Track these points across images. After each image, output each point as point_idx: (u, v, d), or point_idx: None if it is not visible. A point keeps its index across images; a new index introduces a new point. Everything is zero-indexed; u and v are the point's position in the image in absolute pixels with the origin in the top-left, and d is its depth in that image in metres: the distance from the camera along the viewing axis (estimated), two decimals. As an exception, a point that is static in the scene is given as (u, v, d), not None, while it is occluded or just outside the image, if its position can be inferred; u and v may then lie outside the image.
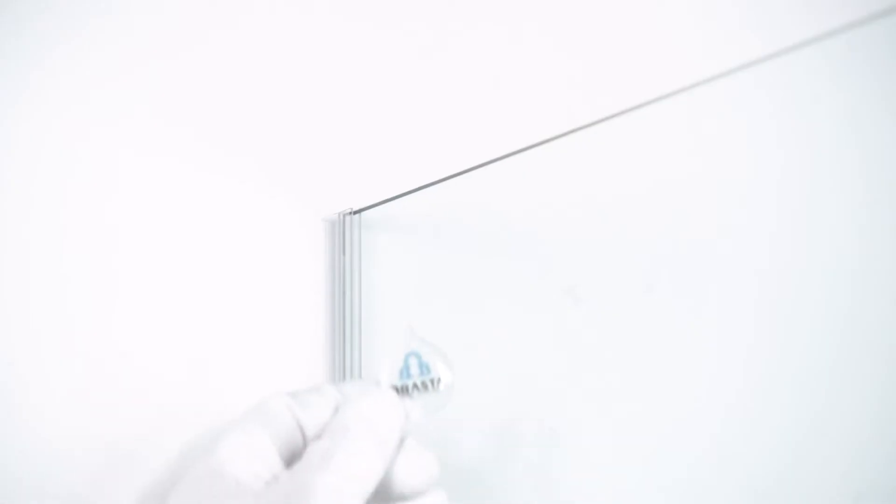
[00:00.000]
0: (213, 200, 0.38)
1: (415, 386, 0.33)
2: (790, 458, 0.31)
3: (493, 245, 0.39)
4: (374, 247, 0.43)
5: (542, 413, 0.38)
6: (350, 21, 0.42)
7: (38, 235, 0.33)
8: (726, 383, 0.33)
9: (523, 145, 0.37)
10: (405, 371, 0.34)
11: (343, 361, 0.42)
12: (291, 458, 0.33)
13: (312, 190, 0.42)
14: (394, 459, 0.31)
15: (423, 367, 0.34)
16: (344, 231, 0.43)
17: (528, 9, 0.41)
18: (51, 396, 0.33)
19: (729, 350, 0.33)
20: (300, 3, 0.42)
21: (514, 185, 0.39)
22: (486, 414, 0.39)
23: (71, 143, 0.34)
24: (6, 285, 0.32)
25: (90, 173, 0.34)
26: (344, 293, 0.43)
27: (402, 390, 0.34)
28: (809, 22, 0.30)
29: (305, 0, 0.42)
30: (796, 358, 0.31)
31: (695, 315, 0.34)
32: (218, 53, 0.39)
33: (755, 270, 0.32)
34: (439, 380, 0.33)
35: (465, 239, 0.41)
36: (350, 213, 0.43)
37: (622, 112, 0.35)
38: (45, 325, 0.33)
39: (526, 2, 0.41)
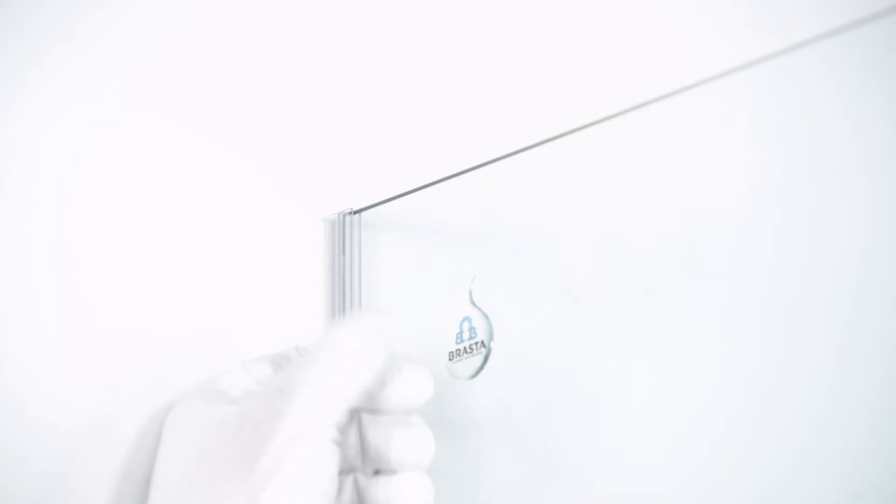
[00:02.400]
0: (212, 200, 0.38)
1: (465, 349, 0.34)
2: (790, 458, 0.31)
3: (494, 245, 0.39)
4: (374, 247, 0.43)
5: (540, 413, 0.37)
6: (350, 20, 0.42)
7: (38, 234, 0.33)
8: (726, 384, 0.33)
9: (523, 145, 0.37)
10: (460, 336, 0.35)
11: (343, 361, 0.42)
12: None
13: (312, 190, 0.42)
14: (380, 377, 0.32)
15: (472, 331, 0.35)
16: (344, 231, 0.43)
17: (528, 9, 0.41)
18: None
19: (729, 351, 0.33)
20: (300, 3, 0.42)
21: (514, 185, 0.39)
22: (484, 414, 0.39)
23: (70, 142, 0.34)
24: (7, 282, 0.32)
25: (89, 172, 0.34)
26: (344, 293, 0.43)
27: (455, 354, 0.34)
28: (809, 22, 0.30)
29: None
30: (797, 358, 0.31)
31: (695, 316, 0.34)
32: (217, 54, 0.39)
33: (756, 271, 0.32)
34: (481, 343, 0.34)
35: (466, 239, 0.41)
36: (350, 213, 0.43)
37: (622, 112, 0.35)
38: (45, 324, 0.33)
39: (526, 2, 0.41)
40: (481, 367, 0.35)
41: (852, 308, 0.30)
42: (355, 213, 0.43)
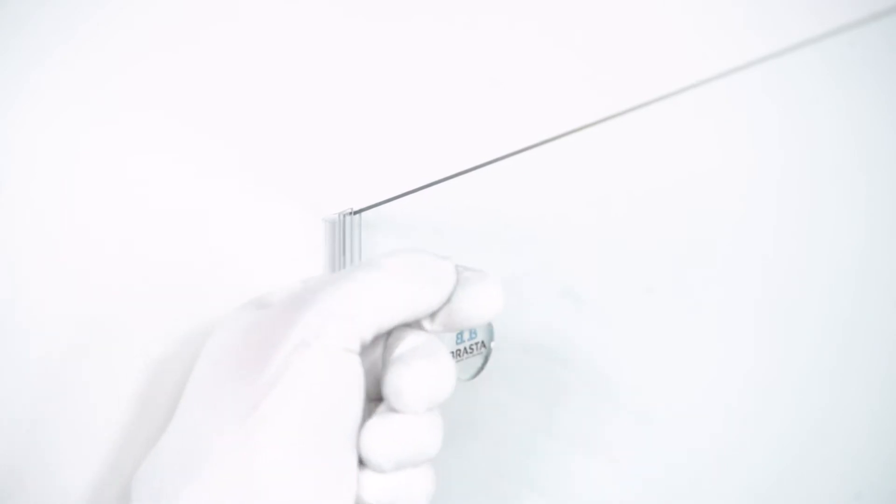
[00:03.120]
0: (212, 200, 0.38)
1: (465, 350, 0.34)
2: (790, 458, 0.31)
3: (494, 245, 0.39)
4: (375, 247, 0.43)
5: (540, 414, 0.38)
6: (350, 20, 0.42)
7: (37, 235, 0.33)
8: (726, 384, 0.33)
9: (523, 145, 0.37)
10: (460, 336, 0.35)
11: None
12: None
13: (312, 190, 0.42)
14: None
15: (472, 332, 0.35)
16: (344, 231, 0.43)
17: (528, 9, 0.41)
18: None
19: (729, 351, 0.33)
20: (300, 3, 0.42)
21: (514, 185, 0.39)
22: (484, 415, 0.39)
23: (70, 142, 0.34)
24: (6, 284, 0.32)
25: (90, 172, 0.34)
26: (344, 293, 0.42)
27: (455, 354, 0.34)
28: (809, 22, 0.30)
29: None
30: (797, 358, 0.31)
31: (695, 316, 0.34)
32: (217, 54, 0.39)
33: (755, 272, 0.32)
34: (482, 343, 0.34)
35: (466, 239, 0.41)
36: (350, 213, 0.43)
37: (622, 112, 0.35)
38: (45, 324, 0.33)
39: (526, 2, 0.41)
40: (481, 368, 0.35)
41: (852, 308, 0.30)
42: (355, 213, 0.43)
